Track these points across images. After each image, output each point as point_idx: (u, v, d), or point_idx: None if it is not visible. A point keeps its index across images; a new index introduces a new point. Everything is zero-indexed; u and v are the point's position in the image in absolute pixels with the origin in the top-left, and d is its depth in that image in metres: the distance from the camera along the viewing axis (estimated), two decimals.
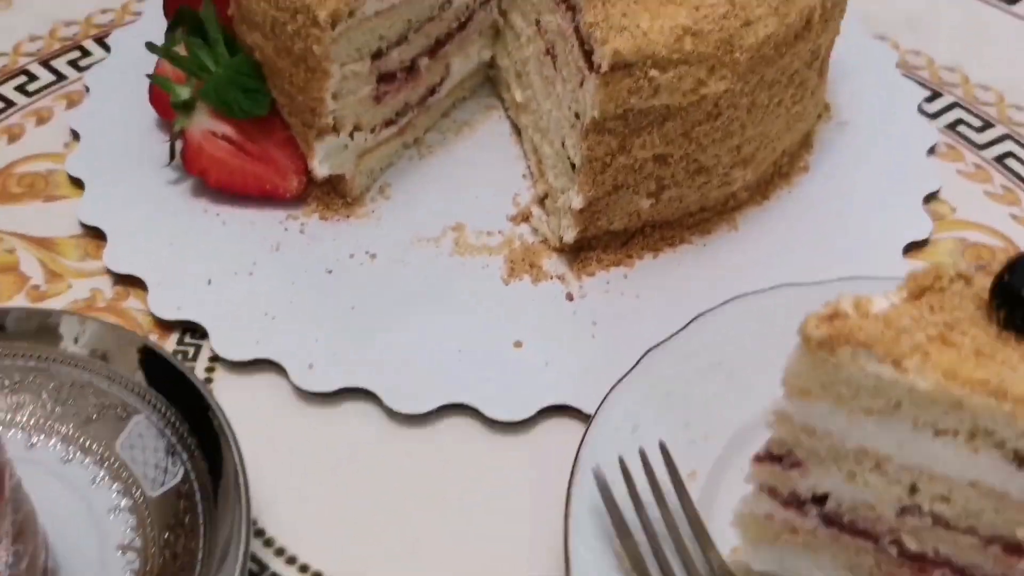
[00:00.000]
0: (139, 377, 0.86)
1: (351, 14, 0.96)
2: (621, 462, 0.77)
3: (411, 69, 1.09)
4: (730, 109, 0.96)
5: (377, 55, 1.03)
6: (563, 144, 1.01)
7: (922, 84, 1.27)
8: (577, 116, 0.96)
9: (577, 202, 0.97)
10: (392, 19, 1.02)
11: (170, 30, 1.15)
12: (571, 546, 0.75)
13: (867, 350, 0.60)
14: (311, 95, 1.00)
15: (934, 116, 1.23)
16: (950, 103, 1.25)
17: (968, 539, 0.65)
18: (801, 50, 1.00)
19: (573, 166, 0.98)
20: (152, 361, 0.86)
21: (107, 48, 1.28)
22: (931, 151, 1.17)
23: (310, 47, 0.96)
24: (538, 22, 1.06)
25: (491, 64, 1.21)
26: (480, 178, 1.11)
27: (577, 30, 0.95)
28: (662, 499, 0.77)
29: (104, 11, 1.36)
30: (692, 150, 0.98)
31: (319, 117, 1.01)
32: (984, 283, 0.63)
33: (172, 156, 1.08)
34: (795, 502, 0.70)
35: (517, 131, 1.16)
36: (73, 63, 1.28)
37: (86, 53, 1.29)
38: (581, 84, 0.94)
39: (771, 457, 0.68)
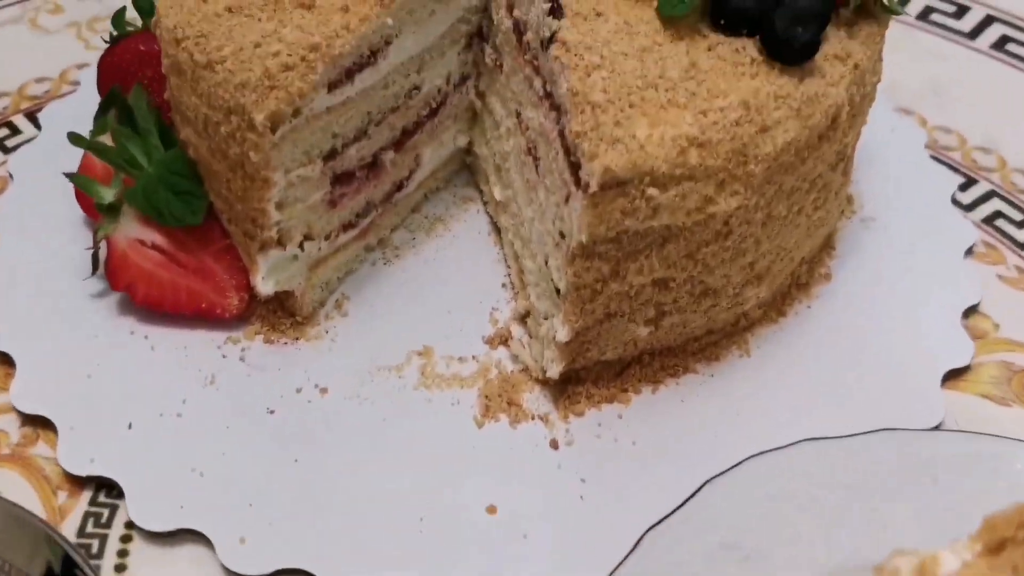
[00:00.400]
0: (36, 568, 0.71)
1: (296, 113, 0.81)
2: None
3: (373, 165, 0.94)
4: (743, 226, 0.82)
5: (331, 155, 0.88)
6: (546, 262, 0.86)
7: (954, 168, 1.13)
8: (562, 235, 0.82)
9: (562, 334, 0.83)
10: (348, 114, 0.87)
11: (100, 113, 1.01)
12: None
13: None
14: (251, 204, 0.85)
15: (969, 208, 1.09)
16: (986, 192, 1.11)
17: None
18: (826, 152, 0.85)
19: (558, 291, 0.84)
20: (53, 550, 0.71)
21: (38, 125, 1.14)
22: (968, 252, 1.03)
23: (247, 153, 0.81)
24: (519, 114, 0.92)
25: (468, 150, 1.06)
26: (453, 288, 0.97)
27: (562, 135, 0.80)
28: None
29: (40, 80, 1.22)
30: (698, 272, 0.83)
31: (262, 229, 0.86)
32: None
33: (95, 267, 0.93)
34: None
35: (497, 229, 1.02)
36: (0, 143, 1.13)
37: (15, 131, 1.15)
38: (567, 200, 0.80)
39: None
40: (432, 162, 1.02)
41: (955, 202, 1.08)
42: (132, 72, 1.03)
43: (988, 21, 1.35)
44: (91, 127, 0.98)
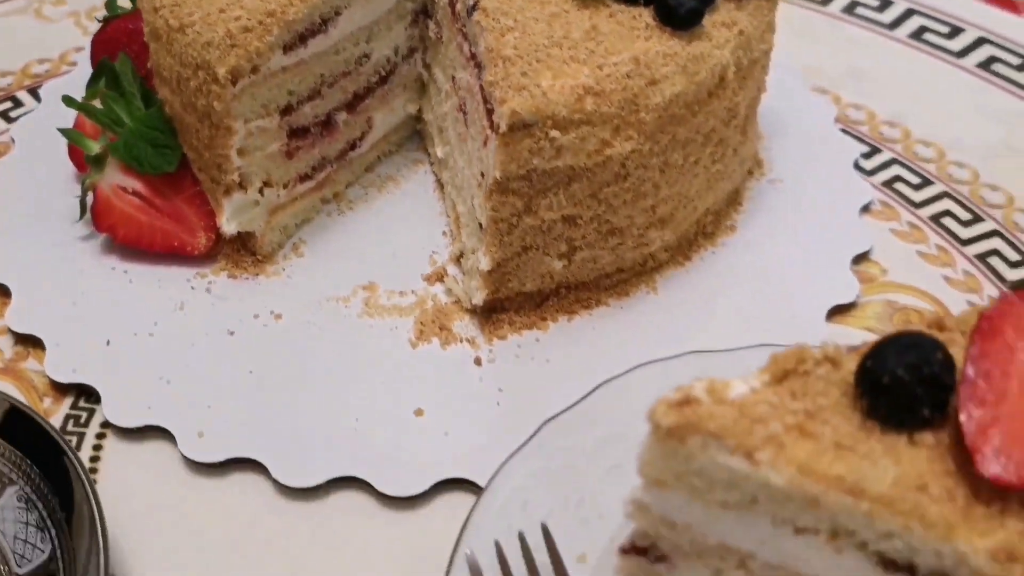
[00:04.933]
0: (13, 444, 0.83)
1: (254, 70, 0.94)
2: (497, 546, 0.74)
3: (327, 124, 1.07)
4: (640, 170, 0.94)
5: (287, 110, 1.01)
6: (473, 203, 0.98)
7: (860, 139, 1.25)
8: (483, 175, 0.94)
9: (484, 263, 0.95)
10: (302, 74, 1.00)
11: (92, 83, 1.14)
12: None
13: (718, 440, 0.56)
14: (216, 151, 0.98)
15: (871, 173, 1.21)
16: (888, 159, 1.23)
17: None
18: (716, 108, 0.97)
19: (480, 225, 0.96)
20: (26, 425, 0.83)
21: (39, 98, 1.27)
22: (865, 209, 1.15)
23: (212, 103, 0.94)
24: (454, 78, 1.04)
25: (418, 117, 1.19)
26: (399, 235, 1.09)
27: (482, 88, 0.93)
28: None
29: (41, 61, 1.36)
30: (602, 211, 0.95)
31: (225, 173, 0.99)
32: (853, 367, 0.60)
33: (83, 211, 1.06)
34: None
35: (441, 185, 1.14)
36: (4, 114, 1.27)
37: (18, 104, 1.28)
38: (485, 143, 0.92)
39: (636, 549, 0.65)
40: (384, 126, 1.15)
41: (858, 167, 1.20)
42: (121, 45, 1.16)
43: (908, 13, 1.47)
44: (84, 95, 1.12)
